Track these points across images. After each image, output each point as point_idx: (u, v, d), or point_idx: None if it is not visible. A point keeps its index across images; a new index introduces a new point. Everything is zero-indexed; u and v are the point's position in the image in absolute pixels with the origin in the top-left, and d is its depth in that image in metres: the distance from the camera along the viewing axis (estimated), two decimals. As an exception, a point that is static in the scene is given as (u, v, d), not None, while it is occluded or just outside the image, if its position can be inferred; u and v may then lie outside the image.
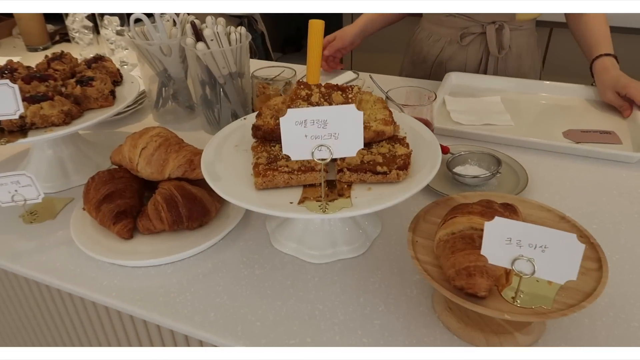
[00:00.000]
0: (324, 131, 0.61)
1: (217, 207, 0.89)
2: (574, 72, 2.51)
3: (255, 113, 0.91)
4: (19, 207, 0.92)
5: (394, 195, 0.70)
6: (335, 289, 0.78)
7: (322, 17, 1.17)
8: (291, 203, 0.69)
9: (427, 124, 0.96)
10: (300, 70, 1.44)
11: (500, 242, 0.56)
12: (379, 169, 0.71)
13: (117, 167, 0.93)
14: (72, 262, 0.85)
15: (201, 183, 0.89)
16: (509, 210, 0.68)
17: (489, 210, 0.65)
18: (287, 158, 0.75)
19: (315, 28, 1.12)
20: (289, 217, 0.78)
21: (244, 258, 0.84)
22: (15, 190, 0.88)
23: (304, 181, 0.72)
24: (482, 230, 0.62)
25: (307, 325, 0.72)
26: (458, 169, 0.99)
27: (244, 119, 0.93)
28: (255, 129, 0.80)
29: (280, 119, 0.60)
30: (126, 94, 1.08)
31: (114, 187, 0.87)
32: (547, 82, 1.36)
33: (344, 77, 1.36)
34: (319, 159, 0.63)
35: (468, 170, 1.00)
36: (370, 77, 1.07)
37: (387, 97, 1.02)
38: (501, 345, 0.66)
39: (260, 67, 1.22)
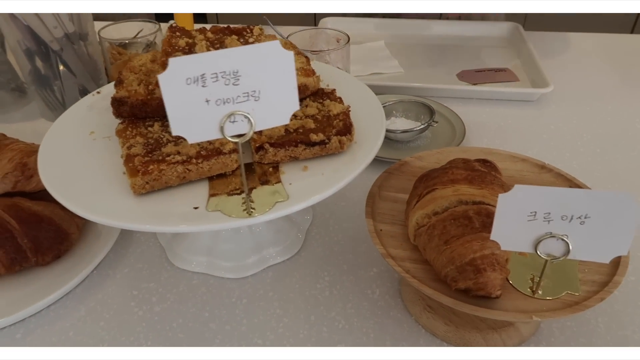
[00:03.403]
0: (237, 90, 0.37)
1: (80, 225, 0.61)
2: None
3: (113, 82, 0.64)
4: None
5: (342, 173, 0.49)
6: (274, 310, 0.56)
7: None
8: (196, 209, 0.45)
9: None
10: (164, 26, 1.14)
11: (520, 219, 0.39)
12: (313, 137, 0.50)
13: None
14: None
15: (47, 195, 0.60)
16: (489, 168, 0.52)
17: (475, 173, 0.47)
18: (177, 141, 0.50)
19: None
20: (190, 231, 0.54)
21: (134, 291, 0.59)
22: None
23: (208, 172, 0.48)
24: (477, 204, 0.45)
25: (247, 374, 0.50)
26: (385, 124, 0.81)
27: (97, 92, 0.65)
28: (118, 103, 0.54)
29: (159, 77, 0.35)
30: None
31: None
32: (430, 21, 1.22)
33: None
34: (233, 137, 0.39)
35: (396, 124, 0.83)
36: (265, 18, 0.83)
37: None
38: (504, 343, 0.51)
39: (107, 24, 0.91)
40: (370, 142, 0.53)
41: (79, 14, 0.85)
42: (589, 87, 0.98)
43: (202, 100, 0.37)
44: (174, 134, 0.38)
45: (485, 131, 0.86)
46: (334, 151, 0.51)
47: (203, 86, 0.36)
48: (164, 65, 0.50)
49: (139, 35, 1.03)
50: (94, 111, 0.61)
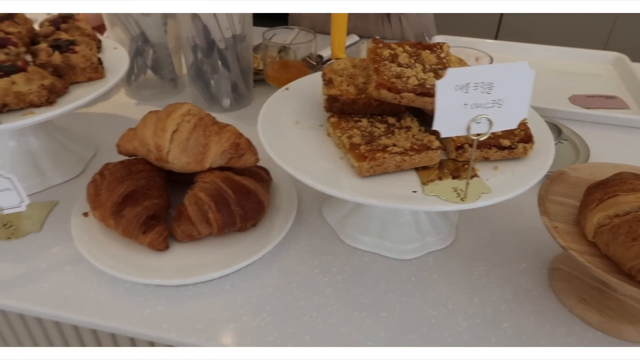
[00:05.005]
0: (488, 97, 0.46)
1: (268, 200, 0.71)
2: (531, 31, 2.54)
3: (309, 78, 0.74)
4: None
5: (529, 173, 0.58)
6: (440, 289, 0.65)
7: None
8: (414, 192, 0.55)
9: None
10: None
11: None
12: (504, 142, 0.59)
13: (127, 157, 0.72)
14: (88, 288, 0.64)
15: (247, 172, 0.71)
16: (652, 183, 0.59)
17: (652, 185, 0.55)
18: (387, 135, 0.60)
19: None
20: (417, 210, 0.64)
21: (316, 261, 0.69)
22: (-11, 198, 0.64)
23: (417, 163, 0.58)
24: (658, 209, 0.52)
25: (430, 338, 0.59)
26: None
27: (286, 89, 0.75)
28: (332, 100, 0.64)
29: (437, 82, 0.45)
30: (111, 64, 0.84)
31: (134, 184, 0.66)
32: (537, 45, 1.30)
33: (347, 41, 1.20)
34: (475, 135, 0.49)
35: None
36: (424, 35, 0.92)
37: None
38: (655, 336, 0.58)
39: (268, 29, 1.03)
40: (544, 150, 0.62)
41: (244, 17, 0.96)
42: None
43: (462, 103, 0.46)
44: (434, 127, 0.47)
45: (600, 153, 0.92)
46: (519, 156, 0.60)
47: (466, 92, 0.45)
48: (377, 72, 0.60)
49: (272, 39, 1.14)
50: (287, 105, 0.71)
